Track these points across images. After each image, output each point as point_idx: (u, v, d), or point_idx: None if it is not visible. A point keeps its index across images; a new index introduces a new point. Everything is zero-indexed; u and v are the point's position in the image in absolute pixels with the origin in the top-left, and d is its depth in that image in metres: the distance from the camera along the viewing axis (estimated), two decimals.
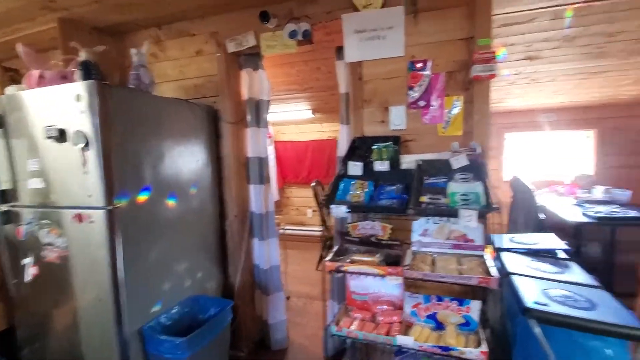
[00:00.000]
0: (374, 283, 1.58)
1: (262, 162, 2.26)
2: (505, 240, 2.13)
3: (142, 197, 1.54)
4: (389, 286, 1.58)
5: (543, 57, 2.69)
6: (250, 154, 2.22)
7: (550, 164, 4.08)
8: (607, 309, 1.28)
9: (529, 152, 4.16)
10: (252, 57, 2.14)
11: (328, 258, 1.44)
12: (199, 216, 1.97)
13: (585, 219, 2.96)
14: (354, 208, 1.42)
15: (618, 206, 3.22)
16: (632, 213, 2.93)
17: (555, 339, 1.34)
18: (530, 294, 1.39)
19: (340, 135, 2.06)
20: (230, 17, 2.06)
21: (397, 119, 1.74)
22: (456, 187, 1.37)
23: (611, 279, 3.09)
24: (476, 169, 1.45)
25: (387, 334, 1.38)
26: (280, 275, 2.42)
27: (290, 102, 3.70)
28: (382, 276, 1.33)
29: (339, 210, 1.36)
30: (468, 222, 1.16)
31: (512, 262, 1.81)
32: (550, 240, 2.01)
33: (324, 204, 1.41)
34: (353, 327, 1.44)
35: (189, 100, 1.94)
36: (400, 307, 1.52)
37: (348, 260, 1.44)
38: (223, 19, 2.08)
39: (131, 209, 1.48)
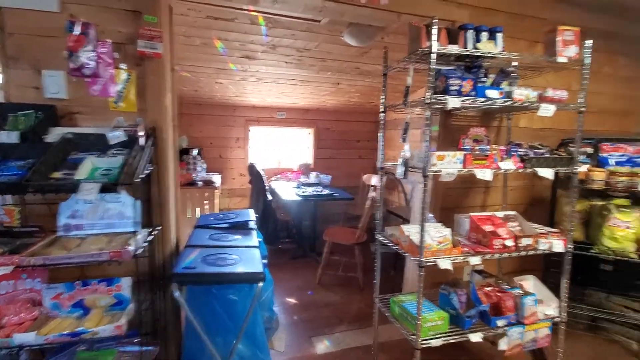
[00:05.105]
0: (7, 283, 1.30)
1: None
2: (209, 218, 2.30)
3: None
4: (30, 283, 1.34)
5: (258, 58, 3.09)
6: None
7: (284, 154, 4.85)
8: (246, 264, 1.54)
9: (269, 143, 4.78)
10: None
11: None
12: None
13: (297, 198, 3.66)
14: None
15: (322, 187, 4.17)
16: (325, 192, 3.86)
17: (202, 295, 1.52)
18: (187, 260, 1.52)
19: None
20: None
21: (54, 86, 1.49)
22: (99, 162, 1.29)
23: (314, 242, 3.99)
24: (137, 145, 1.43)
25: (9, 336, 1.15)
26: None
27: None
28: None
29: None
30: (88, 196, 1.11)
31: (200, 236, 1.95)
32: (248, 215, 2.31)
33: None
34: None
35: None
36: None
37: None
38: None
39: None
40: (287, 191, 3.88)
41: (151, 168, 1.55)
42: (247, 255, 1.59)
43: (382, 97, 2.05)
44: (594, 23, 2.56)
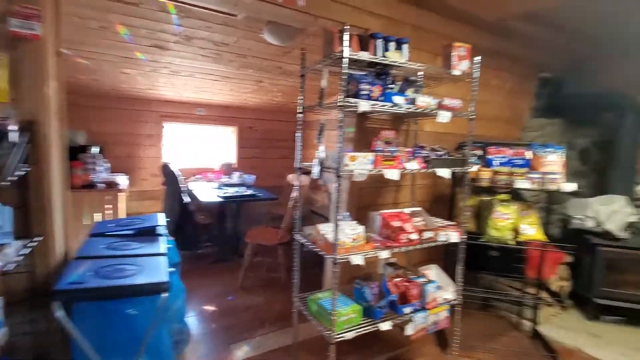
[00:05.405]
0: None
1: None
2: (109, 225, 2.05)
3: None
4: None
5: (171, 49, 2.86)
6: None
7: (204, 153, 4.60)
8: (148, 274, 1.40)
9: (186, 141, 4.49)
10: None
11: None
12: None
13: (218, 199, 3.50)
14: None
15: (246, 187, 4.05)
16: (248, 192, 3.76)
17: (96, 313, 1.34)
18: (74, 275, 1.33)
19: None
20: None
21: None
22: None
23: (237, 245, 3.86)
24: (6, 142, 1.20)
25: None
26: None
27: None
28: None
29: None
30: None
31: (94, 245, 1.72)
32: (156, 220, 2.12)
33: None
34: None
35: None
36: None
37: None
38: None
39: None
40: (207, 192, 3.68)
41: (27, 169, 1.31)
42: (151, 265, 1.45)
43: (300, 97, 2.07)
44: (484, 41, 2.94)
